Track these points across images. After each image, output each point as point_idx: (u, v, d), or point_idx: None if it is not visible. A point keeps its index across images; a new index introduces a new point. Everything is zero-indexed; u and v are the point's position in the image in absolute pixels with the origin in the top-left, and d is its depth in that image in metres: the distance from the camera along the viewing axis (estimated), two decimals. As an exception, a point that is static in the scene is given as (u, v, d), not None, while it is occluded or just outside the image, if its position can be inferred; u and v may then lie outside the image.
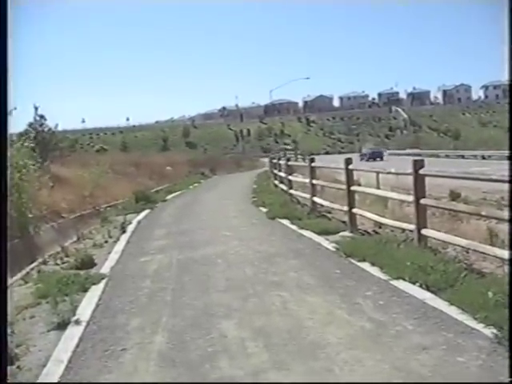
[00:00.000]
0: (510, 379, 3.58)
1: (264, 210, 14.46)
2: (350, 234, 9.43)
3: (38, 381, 4.34)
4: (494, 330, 4.35)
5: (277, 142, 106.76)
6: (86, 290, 7.18)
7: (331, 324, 4.95)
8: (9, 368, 4.46)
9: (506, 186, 5.83)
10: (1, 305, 3.82)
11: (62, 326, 5.65)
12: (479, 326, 4.53)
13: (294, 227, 11.04)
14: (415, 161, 7.40)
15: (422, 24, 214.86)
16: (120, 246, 10.94)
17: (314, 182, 12.90)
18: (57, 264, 9.47)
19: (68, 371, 4.46)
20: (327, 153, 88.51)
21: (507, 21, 5.69)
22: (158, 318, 5.64)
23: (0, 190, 4.43)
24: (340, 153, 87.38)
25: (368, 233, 9.47)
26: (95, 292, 7.09)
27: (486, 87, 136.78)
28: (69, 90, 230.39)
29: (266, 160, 48.77)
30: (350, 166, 10.04)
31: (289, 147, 71.34)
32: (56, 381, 4.30)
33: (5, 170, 4.68)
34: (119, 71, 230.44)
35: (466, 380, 3.70)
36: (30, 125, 23.98)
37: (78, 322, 5.73)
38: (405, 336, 4.52)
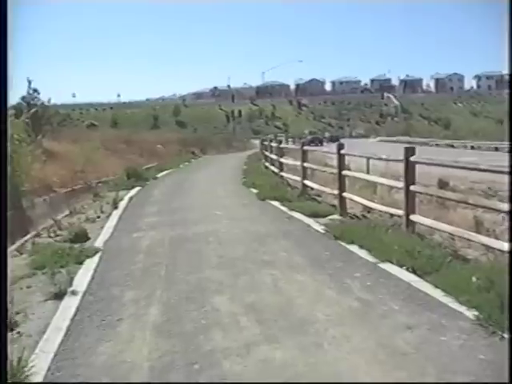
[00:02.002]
0: (510, 379, 3.64)
1: (254, 191, 14.64)
2: (340, 218, 9.64)
3: (37, 351, 4.45)
4: (476, 313, 4.56)
5: (267, 124, 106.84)
6: (80, 263, 7.33)
7: (320, 302, 5.14)
8: (9, 334, 4.62)
9: (494, 176, 6.04)
10: (1, 304, 3.90)
11: (59, 295, 5.80)
12: (462, 309, 4.75)
13: (284, 209, 11.23)
14: (407, 148, 7.58)
15: (417, 12, 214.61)
16: (112, 221, 11.08)
17: (306, 165, 13.07)
18: (50, 237, 9.59)
19: (67, 338, 4.63)
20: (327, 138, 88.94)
21: (507, 15, 5.86)
22: (152, 291, 5.81)
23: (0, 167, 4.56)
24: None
25: (357, 217, 9.67)
26: (90, 265, 7.24)
27: (478, 77, 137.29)
28: (60, 64, 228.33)
29: (257, 142, 48.93)
30: (342, 151, 10.20)
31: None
32: (56, 347, 4.46)
33: (5, 148, 4.80)
34: (111, 48, 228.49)
35: (447, 358, 3.91)
36: (23, 98, 23.87)
37: (74, 293, 5.90)
38: (391, 315, 4.73)
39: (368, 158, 13.88)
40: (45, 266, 6.99)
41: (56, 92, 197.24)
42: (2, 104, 4.61)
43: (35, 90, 23.66)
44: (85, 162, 19.86)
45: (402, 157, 7.50)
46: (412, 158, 7.40)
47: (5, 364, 3.64)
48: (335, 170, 10.52)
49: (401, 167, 7.62)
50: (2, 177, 4.83)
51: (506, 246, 5.39)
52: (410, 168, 7.42)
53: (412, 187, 7.38)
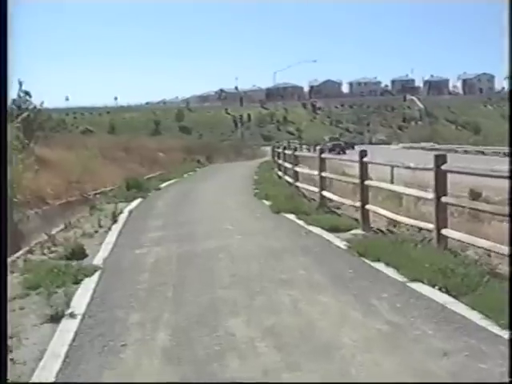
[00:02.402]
0: (510, 379, 3.77)
1: (267, 203, 14.69)
2: (363, 232, 9.62)
3: (34, 380, 4.44)
4: (519, 337, 4.51)
5: (279, 130, 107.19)
6: (78, 282, 7.33)
7: (345, 325, 5.12)
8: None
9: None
10: (1, 304, 3.96)
11: (56, 318, 5.80)
12: (502, 333, 4.69)
13: (301, 222, 11.25)
14: (437, 156, 7.56)
15: (443, 6, 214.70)
16: (112, 236, 11.13)
17: (324, 174, 13.06)
18: (44, 254, 9.62)
19: (66, 365, 4.61)
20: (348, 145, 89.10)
21: (507, 15, 5.93)
22: (159, 313, 5.80)
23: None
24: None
25: (382, 231, 9.65)
26: (89, 284, 7.24)
27: (510, 77, 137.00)
28: (52, 65, 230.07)
29: (268, 149, 49.03)
30: (365, 159, 10.18)
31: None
32: (54, 376, 4.44)
33: (4, 155, 4.82)
34: (107, 46, 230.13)
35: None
36: (14, 101, 23.99)
37: (72, 315, 5.89)
38: (424, 340, 4.68)
39: (392, 167, 13.85)
40: (39, 285, 7.00)
41: (48, 95, 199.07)
42: (2, 105, 4.64)
43: (27, 93, 23.74)
44: (81, 171, 19.88)
45: (431, 165, 7.47)
46: (443, 167, 7.37)
47: (5, 364, 3.75)
48: (357, 180, 10.50)
49: (429, 176, 7.59)
50: (1, 184, 4.87)
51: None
52: (440, 177, 7.38)
53: (443, 198, 7.34)
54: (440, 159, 7.44)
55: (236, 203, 15.68)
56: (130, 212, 15.03)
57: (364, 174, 10.19)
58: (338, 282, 6.62)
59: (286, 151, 20.54)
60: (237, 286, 6.73)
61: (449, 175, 7.57)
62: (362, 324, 5.14)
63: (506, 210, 7.06)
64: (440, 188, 7.38)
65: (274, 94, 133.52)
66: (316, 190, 13.47)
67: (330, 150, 45.94)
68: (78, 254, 9.10)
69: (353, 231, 9.85)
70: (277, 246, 9.01)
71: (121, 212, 14.38)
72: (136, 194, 19.27)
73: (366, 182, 10.18)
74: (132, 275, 7.66)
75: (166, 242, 10.16)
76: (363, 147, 13.71)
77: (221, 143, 66.02)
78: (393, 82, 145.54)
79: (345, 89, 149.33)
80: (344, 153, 50.49)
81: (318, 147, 15.30)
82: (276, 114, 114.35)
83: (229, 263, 8.03)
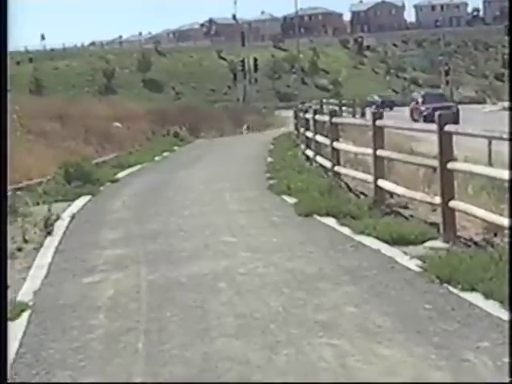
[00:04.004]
0: (510, 379, 4.48)
1: (290, 200, 14.77)
2: (445, 245, 9.61)
3: None
4: None
5: (304, 83, 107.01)
6: (-5, 331, 7.37)
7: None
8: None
9: None
10: (0, 304, 4.78)
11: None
12: None
13: (345, 231, 11.29)
14: None
15: None
16: (45, 256, 11.18)
17: (381, 153, 13.03)
18: None
19: None
20: (392, 103, 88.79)
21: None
22: (126, 379, 5.83)
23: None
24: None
25: (476, 243, 9.65)
26: (12, 334, 7.23)
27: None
28: None
29: (288, 114, 48.98)
30: (448, 127, 10.16)
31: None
32: None
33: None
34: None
35: None
36: None
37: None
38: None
39: (490, 140, 13.84)
40: None
41: None
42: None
43: None
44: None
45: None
46: None
47: (5, 364, 4.66)
48: (434, 162, 10.50)
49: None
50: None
51: None
52: None
53: None
54: None
55: (240, 202, 15.75)
56: (72, 217, 15.07)
57: (447, 152, 10.17)
58: (409, 325, 6.63)
59: (319, 117, 20.51)
60: (247, 333, 6.73)
61: None
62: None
63: None
64: None
65: (295, 25, 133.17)
66: (369, 178, 13.47)
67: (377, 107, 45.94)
68: (-7, 285, 9.14)
69: (429, 243, 9.85)
70: (308, 270, 9.02)
71: (57, 218, 14.39)
72: (80, 188, 19.26)
73: (450, 165, 10.17)
74: (80, 317, 7.67)
75: (131, 264, 10.18)
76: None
77: (211, 106, 66.26)
78: (487, 2, 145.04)
79: (409, 15, 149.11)
80: (391, 109, 50.82)
81: (368, 109, 15.32)
82: (299, 57, 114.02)
83: (233, 297, 8.04)
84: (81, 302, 8.37)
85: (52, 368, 6.20)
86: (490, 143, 14.72)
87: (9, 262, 10.79)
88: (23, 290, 9.03)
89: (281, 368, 5.82)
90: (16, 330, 7.37)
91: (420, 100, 49.65)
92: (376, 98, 77.62)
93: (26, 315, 7.87)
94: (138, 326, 7.20)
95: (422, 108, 45.69)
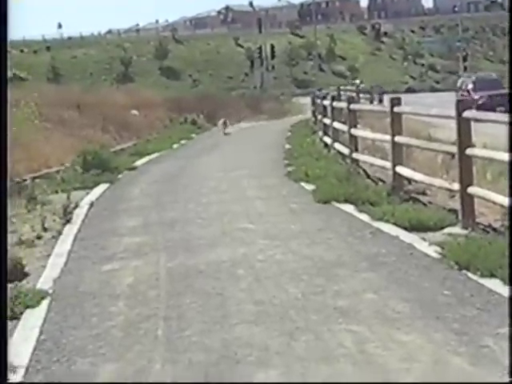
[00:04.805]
0: (510, 379, 4.50)
1: (309, 187, 14.78)
2: (464, 231, 9.59)
3: None
4: None
5: (322, 70, 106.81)
6: (15, 317, 7.42)
7: (444, 380, 5.13)
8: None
9: None
10: (1, 303, 4.70)
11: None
12: None
13: (364, 217, 11.29)
14: None
15: None
16: (65, 244, 11.24)
17: (399, 139, 13.01)
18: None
19: None
20: (409, 90, 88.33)
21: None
22: (145, 364, 5.86)
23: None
24: (433, 90, 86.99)
25: (494, 229, 9.63)
26: (32, 321, 7.34)
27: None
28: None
29: (305, 101, 48.89)
30: (467, 113, 10.14)
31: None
32: None
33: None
34: None
35: None
36: None
37: (10, 370, 5.96)
38: None
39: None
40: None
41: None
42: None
43: None
44: (9, 142, 20.00)
45: None
46: None
47: (5, 364, 4.63)
48: (453, 148, 10.47)
49: None
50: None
51: None
52: None
53: None
54: None
55: (258, 189, 15.76)
56: (91, 205, 15.14)
57: (465, 138, 10.14)
58: (427, 311, 6.63)
59: (336, 103, 20.50)
60: (266, 319, 6.74)
61: None
62: (470, 377, 5.15)
63: None
64: None
65: (312, 12, 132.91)
66: (387, 164, 13.45)
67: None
68: (14, 272, 9.14)
69: (448, 229, 9.83)
70: (327, 257, 9.02)
71: (76, 206, 14.47)
72: (98, 176, 19.38)
73: (469, 151, 10.14)
74: (99, 305, 7.72)
75: (150, 251, 10.22)
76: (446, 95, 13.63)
77: (228, 94, 66.08)
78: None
79: (426, 2, 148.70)
80: None
81: (385, 96, 15.27)
82: (316, 44, 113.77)
83: (252, 284, 8.05)
84: (100, 289, 8.42)
85: (72, 355, 6.24)
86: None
87: (28, 250, 10.96)
88: (43, 278, 9.09)
89: (300, 354, 5.82)
90: (36, 317, 7.45)
91: (470, 87, 44.23)
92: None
93: (45, 303, 7.93)
94: (157, 313, 7.23)
95: (476, 96, 40.35)
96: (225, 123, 38.61)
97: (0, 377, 4.46)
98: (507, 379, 4.58)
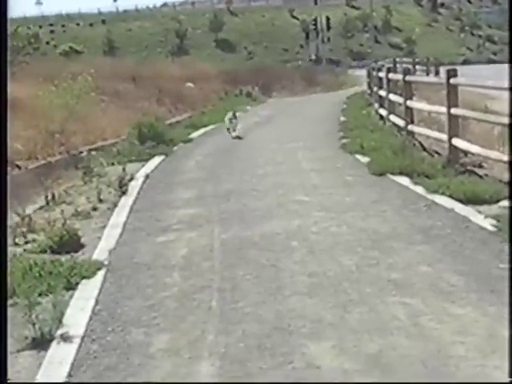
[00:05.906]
0: (510, 379, 4.52)
1: (364, 159, 14.74)
2: (521, 204, 9.50)
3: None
4: None
5: (378, 42, 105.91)
6: (72, 288, 7.54)
7: (498, 353, 5.11)
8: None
9: None
10: (1, 303, 4.66)
11: (40, 343, 6.02)
12: None
13: (419, 190, 11.25)
14: None
15: None
16: (120, 216, 11.35)
17: (456, 111, 12.89)
18: (16, 244, 9.83)
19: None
20: (466, 62, 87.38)
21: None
22: (199, 335, 5.92)
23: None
24: (491, 62, 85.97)
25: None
26: (88, 291, 7.45)
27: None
28: None
29: (361, 73, 48.69)
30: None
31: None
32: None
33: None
34: None
35: None
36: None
37: (66, 339, 6.07)
38: None
39: None
40: (13, 293, 7.18)
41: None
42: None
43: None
44: (66, 115, 20.17)
45: None
46: None
47: (5, 364, 4.49)
48: (506, 120, 10.36)
49: None
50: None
51: None
52: None
53: None
54: None
55: (313, 161, 15.74)
56: (146, 177, 15.25)
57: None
58: (482, 284, 6.61)
59: (392, 75, 20.37)
60: (319, 292, 6.78)
61: None
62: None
63: None
64: None
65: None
66: (443, 136, 13.33)
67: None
68: (70, 243, 9.29)
69: (503, 202, 9.72)
70: (382, 229, 9.03)
71: (132, 178, 14.56)
72: (154, 149, 19.52)
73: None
74: (154, 276, 7.83)
75: (204, 223, 10.30)
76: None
77: (283, 66, 66.00)
78: None
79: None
80: None
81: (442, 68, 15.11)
82: (372, 15, 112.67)
83: (306, 256, 8.08)
84: (155, 260, 8.52)
85: (127, 325, 6.35)
86: None
87: (84, 221, 11.09)
88: (98, 249, 9.21)
89: (353, 326, 5.85)
90: (92, 287, 7.56)
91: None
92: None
93: (101, 274, 8.04)
94: (211, 285, 7.31)
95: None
96: (234, 117, 23.51)
97: (0, 377, 4.46)
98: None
